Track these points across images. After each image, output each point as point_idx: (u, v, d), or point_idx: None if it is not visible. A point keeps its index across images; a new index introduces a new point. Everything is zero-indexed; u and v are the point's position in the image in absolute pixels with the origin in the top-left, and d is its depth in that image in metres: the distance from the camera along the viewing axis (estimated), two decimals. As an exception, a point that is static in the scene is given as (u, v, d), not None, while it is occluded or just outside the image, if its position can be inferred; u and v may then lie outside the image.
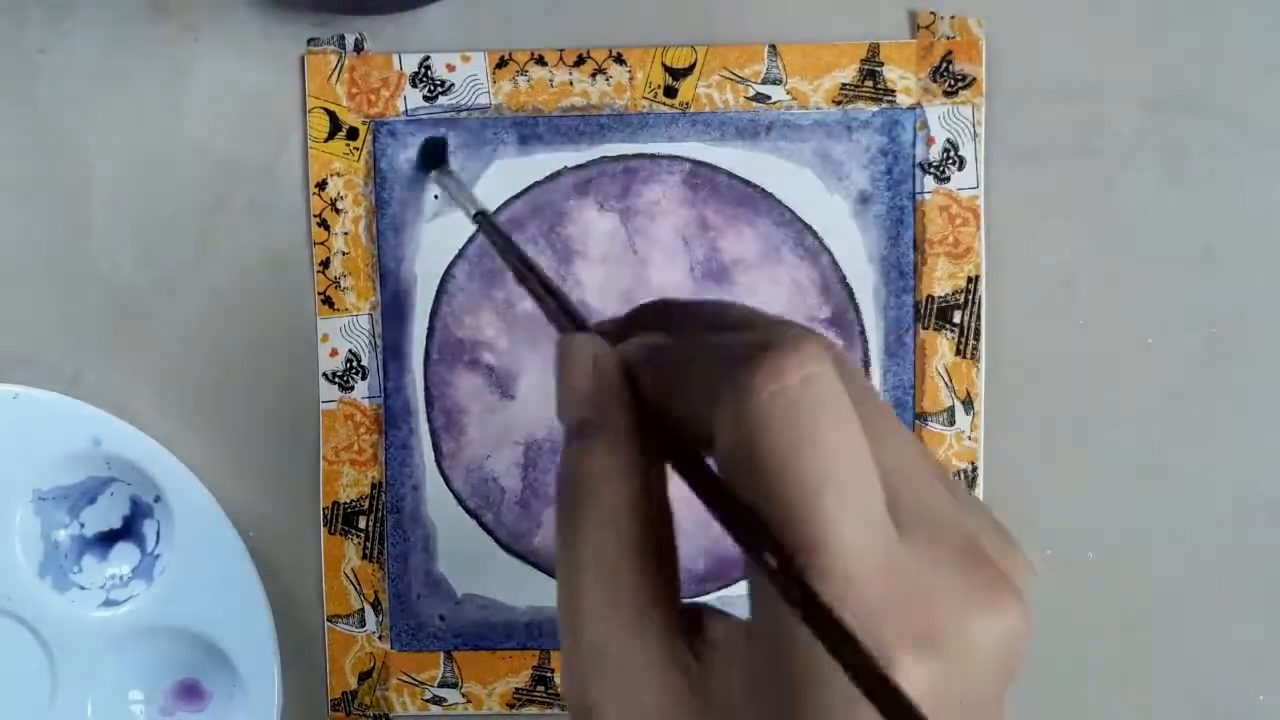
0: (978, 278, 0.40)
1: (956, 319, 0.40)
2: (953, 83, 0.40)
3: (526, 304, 0.41)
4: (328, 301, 0.41)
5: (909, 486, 0.21)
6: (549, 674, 0.42)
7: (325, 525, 0.41)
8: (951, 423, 0.40)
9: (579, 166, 0.40)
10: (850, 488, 0.19)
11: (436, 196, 0.40)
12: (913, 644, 0.18)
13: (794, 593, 0.18)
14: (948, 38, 0.40)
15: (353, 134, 0.40)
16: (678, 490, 0.40)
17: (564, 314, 0.28)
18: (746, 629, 0.21)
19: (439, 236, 0.41)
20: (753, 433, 0.19)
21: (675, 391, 0.22)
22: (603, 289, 0.40)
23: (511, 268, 0.33)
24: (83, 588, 0.41)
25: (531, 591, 0.41)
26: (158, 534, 0.41)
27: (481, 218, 0.36)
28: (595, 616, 0.21)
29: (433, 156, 0.40)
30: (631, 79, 0.40)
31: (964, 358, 0.40)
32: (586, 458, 0.22)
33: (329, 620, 0.42)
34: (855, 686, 0.17)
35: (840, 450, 0.19)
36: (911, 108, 0.40)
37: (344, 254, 0.41)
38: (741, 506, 0.20)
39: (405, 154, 0.40)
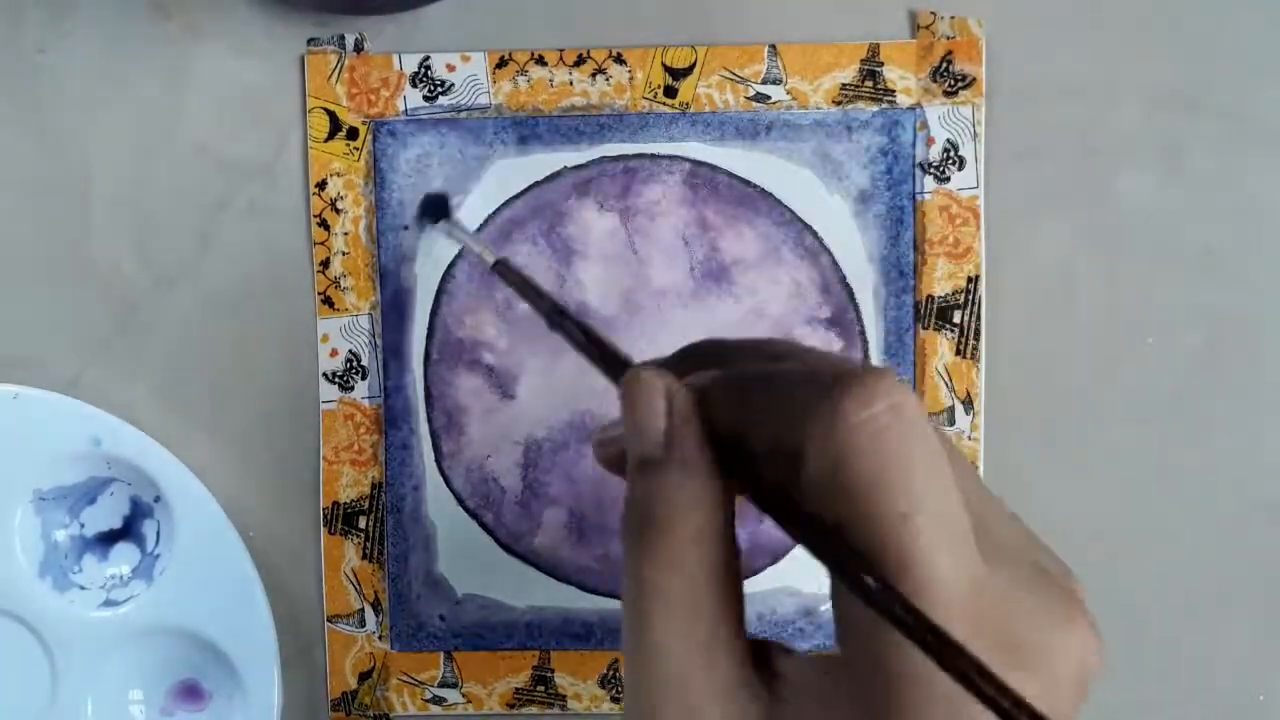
0: (978, 278, 0.40)
1: (956, 319, 0.40)
2: (953, 83, 0.40)
3: (526, 304, 0.41)
4: (328, 301, 0.41)
5: (983, 512, 0.21)
6: (549, 674, 0.42)
7: (325, 525, 0.41)
8: (952, 422, 0.40)
9: (579, 166, 0.40)
10: (941, 513, 0.19)
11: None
12: (1003, 664, 0.18)
13: (899, 613, 0.19)
14: (948, 38, 0.40)
15: (353, 134, 0.40)
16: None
17: (606, 356, 0.28)
18: (821, 660, 0.22)
19: (439, 236, 0.41)
20: (844, 457, 0.20)
21: (749, 421, 0.23)
22: (603, 289, 0.40)
23: (543, 314, 0.32)
24: (83, 588, 0.41)
25: (531, 591, 0.41)
26: (158, 534, 0.41)
27: (502, 266, 0.36)
28: (669, 647, 0.21)
29: (435, 210, 0.40)
30: (631, 79, 0.40)
31: (964, 358, 0.40)
32: (661, 489, 0.23)
33: (329, 620, 0.42)
34: (978, 702, 0.17)
35: (930, 476, 0.20)
36: (911, 108, 0.40)
37: (344, 254, 0.41)
38: (830, 532, 0.20)
39: (405, 154, 0.40)
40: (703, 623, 0.22)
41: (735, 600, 0.22)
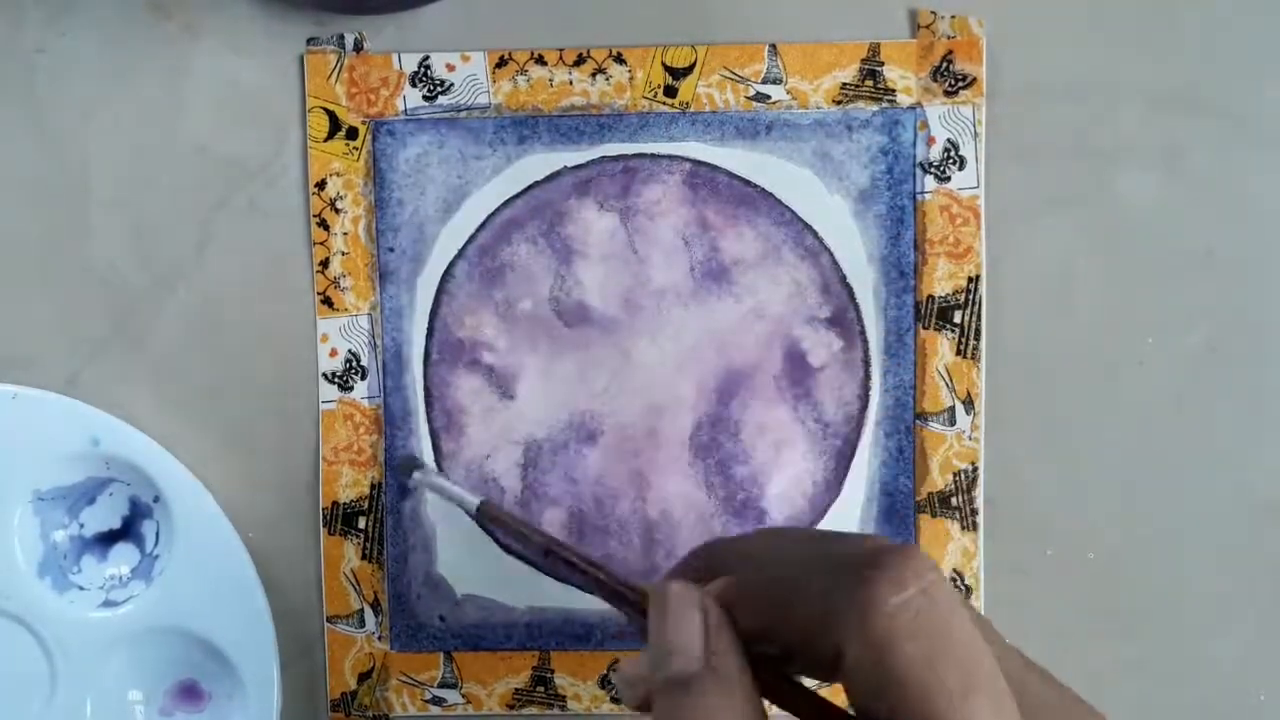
0: (978, 277, 0.40)
1: (957, 319, 0.40)
2: (953, 82, 0.40)
3: (526, 304, 0.41)
4: (327, 301, 0.41)
5: (1019, 675, 0.22)
6: (549, 675, 0.42)
7: (325, 526, 0.41)
8: (952, 423, 0.40)
9: (579, 166, 0.40)
10: (989, 689, 0.20)
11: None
12: None
13: None
14: (948, 37, 0.40)
15: (352, 134, 0.40)
16: (681, 489, 0.40)
17: (613, 587, 0.28)
18: None
19: (439, 236, 0.41)
20: (887, 645, 0.20)
21: (776, 623, 0.23)
22: (603, 289, 0.40)
23: (538, 554, 0.32)
24: (82, 588, 0.41)
25: (531, 592, 0.41)
26: (157, 534, 0.41)
27: (486, 507, 0.35)
28: None
29: (409, 467, 0.40)
30: (631, 79, 0.40)
31: (965, 358, 0.40)
32: (701, 709, 0.22)
33: (328, 621, 0.41)
34: None
35: (973, 652, 0.20)
36: (912, 107, 0.40)
37: (344, 254, 0.41)
38: None
39: (405, 153, 0.40)
40: None
41: None
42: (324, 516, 0.41)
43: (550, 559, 0.31)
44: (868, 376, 0.40)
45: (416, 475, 0.38)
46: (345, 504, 0.41)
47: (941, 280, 0.40)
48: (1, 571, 0.40)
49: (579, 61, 0.40)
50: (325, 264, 0.41)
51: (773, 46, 0.40)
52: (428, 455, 0.41)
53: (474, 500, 0.35)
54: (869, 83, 0.40)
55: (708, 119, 0.40)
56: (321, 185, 0.40)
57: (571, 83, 0.40)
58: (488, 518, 0.35)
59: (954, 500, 0.40)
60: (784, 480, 0.41)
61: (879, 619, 0.20)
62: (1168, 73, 0.40)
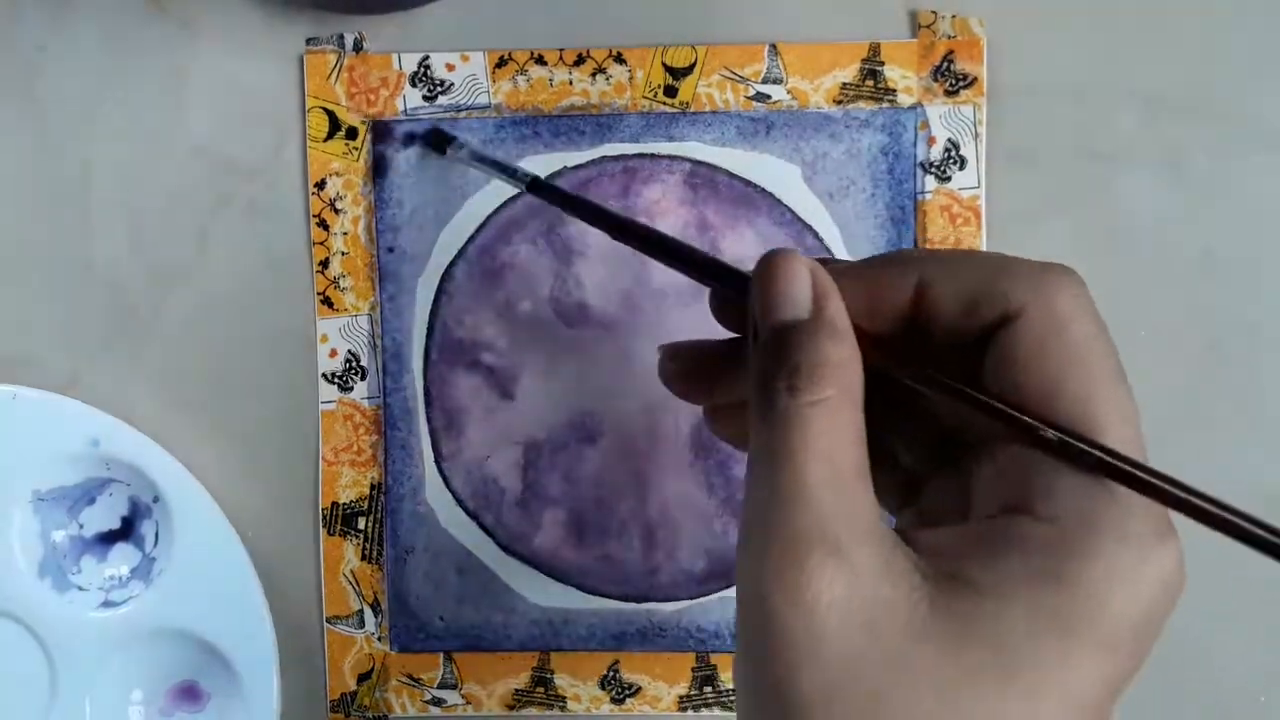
0: (978, 278, 0.40)
1: (957, 319, 0.40)
2: (954, 82, 0.40)
3: (526, 304, 0.41)
4: (327, 302, 0.41)
5: None
6: (548, 675, 0.42)
7: (324, 526, 0.41)
8: (952, 423, 0.40)
9: (579, 166, 0.40)
10: (1125, 381, 0.23)
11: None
12: (1153, 531, 0.22)
13: (1090, 457, 0.22)
14: (949, 37, 0.40)
15: (352, 134, 0.40)
16: (681, 489, 0.40)
17: (696, 256, 0.29)
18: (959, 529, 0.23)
19: (439, 236, 0.41)
20: (1069, 318, 0.23)
21: (937, 284, 0.24)
22: (603, 289, 0.40)
23: (611, 227, 0.31)
24: (82, 589, 0.41)
25: (531, 592, 0.41)
26: (156, 535, 0.41)
27: (537, 182, 0.35)
28: (821, 495, 0.22)
29: (439, 141, 0.40)
30: (631, 79, 0.40)
31: (964, 358, 0.40)
32: (811, 349, 0.23)
33: (328, 621, 0.41)
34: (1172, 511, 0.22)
35: (1114, 352, 0.23)
36: (912, 107, 0.40)
37: (343, 254, 0.41)
38: (994, 397, 0.23)
39: (405, 153, 0.40)
40: (857, 461, 0.22)
41: (868, 475, 0.23)
42: (324, 517, 0.41)
43: (625, 235, 0.30)
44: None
45: (451, 151, 0.38)
46: (345, 504, 0.41)
47: (942, 280, 0.40)
48: (1, 571, 0.40)
49: (579, 61, 0.40)
50: (325, 264, 0.41)
51: (773, 46, 0.40)
52: (427, 455, 0.41)
53: (524, 174, 0.35)
54: (869, 83, 0.40)
55: (708, 119, 0.40)
56: (321, 185, 0.40)
57: (571, 83, 0.40)
58: (539, 191, 0.35)
59: (954, 500, 0.40)
60: (784, 480, 0.41)
61: (1066, 295, 0.23)
62: (1168, 74, 0.40)
